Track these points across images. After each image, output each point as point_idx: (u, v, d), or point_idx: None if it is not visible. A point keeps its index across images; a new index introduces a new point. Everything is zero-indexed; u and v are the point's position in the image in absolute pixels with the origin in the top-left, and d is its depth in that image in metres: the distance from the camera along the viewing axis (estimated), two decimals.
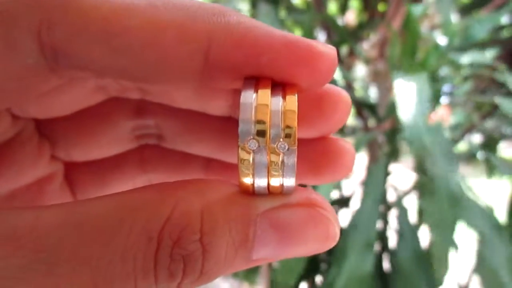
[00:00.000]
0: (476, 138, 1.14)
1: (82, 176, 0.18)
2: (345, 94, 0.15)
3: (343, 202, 0.75)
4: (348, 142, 0.16)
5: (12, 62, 0.12)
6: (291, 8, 0.84)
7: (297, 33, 0.90)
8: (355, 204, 0.71)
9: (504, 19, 0.85)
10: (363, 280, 0.54)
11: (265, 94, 0.12)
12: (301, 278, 0.73)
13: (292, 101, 0.12)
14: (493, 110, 0.78)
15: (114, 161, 0.18)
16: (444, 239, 0.53)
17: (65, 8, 0.11)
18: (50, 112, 0.16)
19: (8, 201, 0.16)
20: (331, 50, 0.13)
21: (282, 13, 0.82)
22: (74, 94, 0.15)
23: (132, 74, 0.13)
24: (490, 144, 0.89)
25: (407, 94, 0.55)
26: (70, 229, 0.11)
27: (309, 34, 0.77)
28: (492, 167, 0.88)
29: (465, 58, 0.62)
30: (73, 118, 0.16)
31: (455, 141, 0.82)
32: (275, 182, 0.12)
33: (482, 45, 0.74)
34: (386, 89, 0.75)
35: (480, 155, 0.93)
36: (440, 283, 0.55)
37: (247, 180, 0.12)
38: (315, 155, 0.15)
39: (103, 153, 0.18)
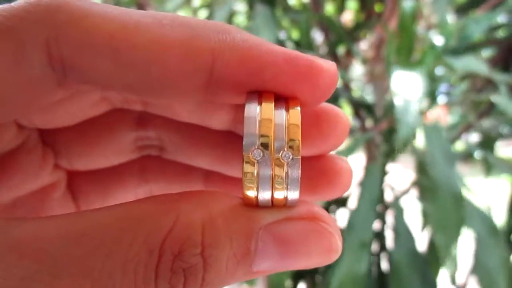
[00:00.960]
0: (474, 138, 1.15)
1: (84, 185, 0.18)
2: (344, 115, 0.15)
3: (340, 202, 0.75)
4: (346, 160, 0.16)
5: (21, 75, 0.12)
6: (288, 9, 0.84)
7: (294, 34, 0.90)
8: (352, 204, 0.71)
9: (500, 19, 0.85)
10: (357, 281, 0.53)
11: (268, 107, 0.13)
12: (300, 278, 0.73)
13: (295, 114, 0.13)
14: (489, 109, 0.78)
15: (116, 171, 0.18)
16: (449, 241, 0.53)
17: (73, 24, 0.12)
18: (55, 123, 0.16)
19: (11, 209, 0.16)
20: (331, 66, 0.13)
21: (279, 14, 0.82)
22: (79, 106, 0.16)
23: (137, 88, 0.13)
24: (487, 143, 0.89)
25: (404, 89, 0.55)
26: (72, 240, 0.11)
27: (306, 34, 0.77)
28: (489, 166, 0.88)
29: (460, 62, 0.62)
30: (76, 128, 0.17)
31: (453, 140, 0.82)
32: (279, 195, 0.13)
33: (478, 45, 0.74)
34: (383, 89, 0.75)
35: (477, 154, 0.93)
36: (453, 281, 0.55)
37: (251, 193, 0.12)
38: (313, 173, 0.16)
39: (106, 163, 0.18)
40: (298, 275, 0.72)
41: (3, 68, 0.11)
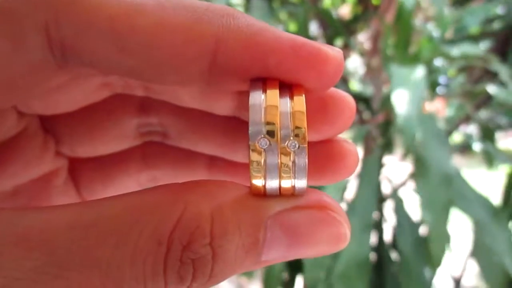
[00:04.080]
0: (472, 129, 1.15)
1: (86, 172, 0.18)
2: (350, 99, 0.15)
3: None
4: (352, 143, 0.16)
5: (20, 59, 0.12)
6: (285, 2, 0.84)
7: (292, 27, 0.89)
8: (350, 195, 0.72)
9: (497, 11, 0.85)
10: (361, 264, 0.54)
11: (273, 95, 0.12)
12: (296, 271, 0.73)
13: (300, 101, 0.12)
14: (486, 100, 0.78)
15: (118, 157, 0.18)
16: (440, 220, 0.54)
17: (72, 6, 0.11)
18: (55, 109, 0.16)
19: (12, 196, 0.16)
20: (337, 53, 0.13)
21: (277, 7, 0.82)
22: (80, 91, 0.15)
23: (138, 73, 0.13)
24: (487, 135, 0.89)
25: (402, 85, 0.55)
26: (80, 231, 0.11)
27: (304, 27, 0.77)
28: (491, 158, 0.88)
29: (457, 50, 0.62)
30: (77, 114, 0.16)
31: (450, 131, 0.83)
32: (287, 183, 0.12)
33: (474, 37, 0.74)
34: (380, 82, 0.75)
35: (477, 146, 0.93)
36: (439, 264, 0.55)
37: (258, 182, 0.12)
38: (319, 157, 0.15)
39: (108, 150, 0.18)
40: (294, 268, 0.72)
41: (2, 52, 0.11)
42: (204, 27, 0.12)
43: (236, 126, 0.17)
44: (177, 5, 0.12)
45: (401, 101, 0.54)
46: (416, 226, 0.64)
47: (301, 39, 0.13)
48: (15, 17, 0.11)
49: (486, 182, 1.19)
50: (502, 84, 0.68)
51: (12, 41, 0.11)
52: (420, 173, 0.56)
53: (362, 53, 0.81)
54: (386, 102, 0.71)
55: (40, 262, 0.10)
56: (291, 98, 0.13)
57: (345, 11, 0.99)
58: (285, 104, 0.12)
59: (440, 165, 0.55)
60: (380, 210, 0.70)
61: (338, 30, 0.78)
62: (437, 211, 0.54)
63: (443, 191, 0.54)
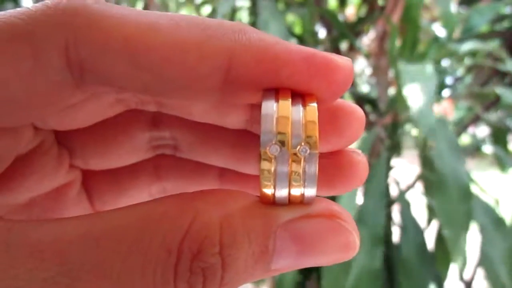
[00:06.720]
0: (482, 131, 1.13)
1: (99, 184, 0.18)
2: (359, 111, 0.15)
3: None
4: (360, 153, 0.16)
5: (41, 80, 0.12)
6: (290, 3, 0.84)
7: (297, 29, 0.89)
8: (358, 199, 0.71)
9: (507, 10, 0.84)
10: (373, 276, 0.53)
11: (285, 105, 0.13)
12: (306, 276, 0.73)
13: (312, 111, 0.13)
14: (496, 101, 0.77)
15: (130, 170, 0.18)
16: (458, 235, 0.53)
17: (90, 27, 0.12)
18: (70, 125, 0.16)
19: (27, 208, 0.16)
20: (347, 62, 0.13)
21: (282, 9, 0.82)
22: (94, 107, 0.16)
23: (154, 90, 0.13)
24: (499, 137, 0.87)
25: (413, 80, 0.54)
26: (91, 241, 0.11)
27: (309, 29, 0.76)
28: (503, 162, 0.87)
29: (466, 47, 0.61)
30: (91, 128, 0.17)
31: (459, 133, 0.81)
32: (296, 192, 0.12)
33: (482, 37, 0.73)
34: (386, 83, 0.74)
35: (488, 148, 0.92)
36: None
37: (268, 191, 0.12)
38: (328, 167, 0.15)
39: (120, 162, 0.18)
40: (305, 273, 0.72)
41: (22, 72, 0.12)
42: (217, 43, 0.12)
43: (246, 139, 0.17)
44: (190, 23, 0.12)
45: (414, 95, 0.53)
46: (421, 231, 0.64)
47: (311, 50, 0.13)
48: (37, 39, 0.11)
49: (497, 184, 1.17)
50: (510, 83, 0.67)
51: (34, 62, 0.12)
52: (438, 188, 0.55)
53: (368, 54, 0.80)
54: (393, 103, 0.70)
55: (52, 272, 0.11)
56: (303, 107, 0.13)
57: (351, 11, 0.99)
58: (297, 114, 0.13)
59: (458, 179, 0.55)
60: (388, 213, 0.69)
61: (344, 32, 0.78)
62: (457, 227, 0.53)
63: (463, 206, 0.54)
